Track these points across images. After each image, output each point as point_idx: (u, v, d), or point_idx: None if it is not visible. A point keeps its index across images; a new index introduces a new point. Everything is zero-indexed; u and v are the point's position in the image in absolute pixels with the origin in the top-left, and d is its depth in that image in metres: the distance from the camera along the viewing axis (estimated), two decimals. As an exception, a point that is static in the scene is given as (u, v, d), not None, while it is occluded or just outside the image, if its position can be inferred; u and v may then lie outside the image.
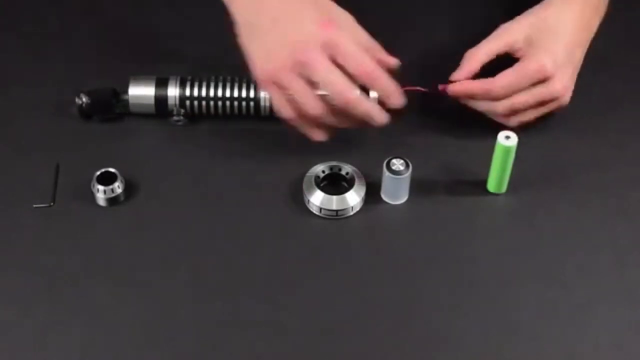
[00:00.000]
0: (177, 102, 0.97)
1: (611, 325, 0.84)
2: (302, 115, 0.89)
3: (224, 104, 0.97)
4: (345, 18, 0.91)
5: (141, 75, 0.98)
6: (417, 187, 0.92)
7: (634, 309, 0.85)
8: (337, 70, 0.87)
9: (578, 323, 0.84)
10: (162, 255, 0.88)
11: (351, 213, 0.92)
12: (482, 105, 0.95)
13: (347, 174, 0.93)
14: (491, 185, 0.93)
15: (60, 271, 0.87)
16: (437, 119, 0.99)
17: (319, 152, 0.95)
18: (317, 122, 0.90)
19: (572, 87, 0.95)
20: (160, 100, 0.97)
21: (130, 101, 0.97)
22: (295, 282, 0.86)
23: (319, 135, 0.92)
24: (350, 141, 0.98)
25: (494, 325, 0.84)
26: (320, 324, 0.84)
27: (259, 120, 0.98)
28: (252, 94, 0.97)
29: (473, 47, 0.96)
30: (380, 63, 0.89)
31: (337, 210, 0.91)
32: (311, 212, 0.92)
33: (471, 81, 0.95)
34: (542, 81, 0.93)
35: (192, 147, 0.97)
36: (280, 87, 0.89)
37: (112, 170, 0.91)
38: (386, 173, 0.90)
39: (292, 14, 0.89)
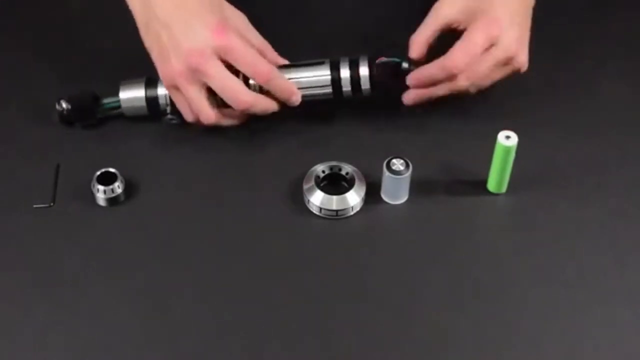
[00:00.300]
0: (169, 101, 0.96)
1: (611, 325, 0.84)
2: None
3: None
4: (238, 18, 0.93)
5: (131, 79, 0.97)
6: (417, 187, 0.92)
7: (634, 309, 0.85)
8: (231, 76, 0.90)
9: (578, 323, 0.84)
10: (162, 255, 0.88)
11: (351, 213, 0.92)
12: (443, 88, 0.94)
13: (347, 174, 0.93)
14: (491, 185, 0.93)
15: (60, 271, 0.87)
16: (437, 119, 0.99)
17: (319, 152, 0.95)
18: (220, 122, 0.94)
19: (525, 49, 0.95)
20: (152, 101, 0.96)
21: (123, 105, 0.97)
22: (295, 282, 0.86)
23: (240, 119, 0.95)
24: (350, 141, 0.98)
25: (494, 325, 0.84)
26: (320, 324, 0.84)
27: (259, 120, 0.98)
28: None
29: (415, 33, 0.95)
30: (273, 63, 0.93)
31: (337, 210, 0.91)
32: (311, 212, 0.92)
33: (428, 65, 0.94)
34: (494, 43, 0.93)
35: (192, 147, 0.97)
36: (178, 90, 0.91)
37: (112, 170, 0.91)
38: (386, 173, 0.90)
39: (184, 20, 0.89)
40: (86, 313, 0.84)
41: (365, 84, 0.95)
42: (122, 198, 0.92)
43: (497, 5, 0.94)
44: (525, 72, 1.05)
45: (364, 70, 0.94)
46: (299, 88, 0.94)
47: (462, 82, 0.93)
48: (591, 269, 0.88)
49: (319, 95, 0.95)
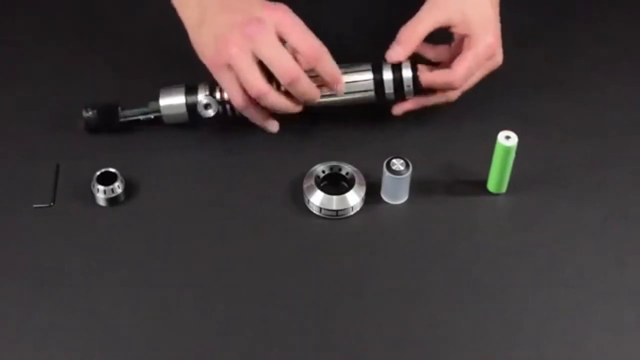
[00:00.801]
0: (207, 91, 0.95)
1: (611, 325, 0.84)
2: (253, 102, 0.91)
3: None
4: (287, 8, 0.91)
5: (170, 86, 0.96)
6: (417, 187, 0.92)
7: (634, 309, 0.85)
8: (283, 48, 0.88)
9: (578, 323, 0.84)
10: (162, 255, 0.88)
11: (351, 213, 0.92)
12: (434, 99, 0.97)
13: (347, 174, 0.93)
14: (491, 185, 0.93)
15: (60, 271, 0.87)
16: (437, 119, 0.99)
17: (319, 152, 0.95)
18: (267, 111, 0.93)
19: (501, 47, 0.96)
20: (192, 107, 0.95)
21: (163, 112, 0.96)
22: (295, 282, 0.86)
23: (272, 126, 0.95)
24: (350, 141, 0.98)
25: (494, 325, 0.84)
26: (320, 324, 0.84)
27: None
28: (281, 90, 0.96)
29: (408, 25, 0.94)
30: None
31: (337, 210, 0.91)
32: (311, 212, 0.92)
33: (434, 73, 0.95)
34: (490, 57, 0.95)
35: (192, 147, 0.97)
36: (229, 67, 0.89)
37: (112, 170, 0.91)
38: (386, 173, 0.90)
39: (240, 3, 0.90)
40: (86, 313, 0.84)
41: (408, 86, 0.95)
42: (122, 198, 0.92)
43: (484, 5, 0.95)
44: (525, 72, 1.06)
45: (407, 73, 0.94)
46: (343, 94, 0.94)
47: (455, 94, 0.96)
48: (591, 269, 0.88)
49: (360, 98, 0.95)
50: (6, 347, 0.82)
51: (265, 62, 0.89)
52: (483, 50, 0.94)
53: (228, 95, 0.93)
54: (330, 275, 0.87)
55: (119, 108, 0.97)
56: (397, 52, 0.94)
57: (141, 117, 0.97)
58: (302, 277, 0.87)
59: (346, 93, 0.95)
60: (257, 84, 0.89)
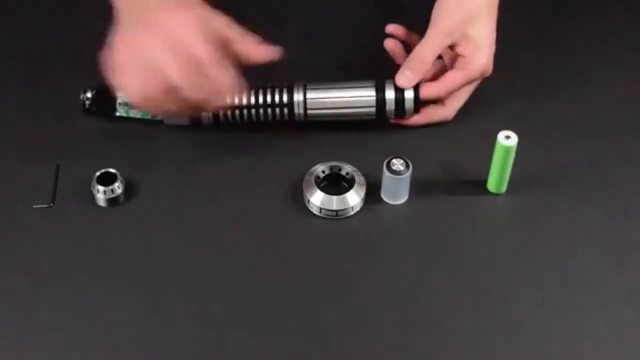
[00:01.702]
0: (211, 114, 0.96)
1: (611, 324, 0.84)
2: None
3: (257, 111, 0.96)
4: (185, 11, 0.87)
5: None
6: (417, 187, 0.92)
7: (634, 309, 0.85)
8: (171, 50, 0.84)
9: (578, 323, 0.84)
10: (162, 255, 0.88)
11: (351, 213, 0.92)
12: (434, 116, 0.99)
13: (347, 174, 0.93)
14: (491, 185, 0.93)
15: (60, 271, 0.87)
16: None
17: (319, 152, 0.95)
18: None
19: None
20: None
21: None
22: (295, 282, 0.86)
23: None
24: (350, 141, 0.98)
25: (493, 325, 0.84)
26: (320, 324, 0.84)
27: (259, 122, 0.98)
28: (285, 99, 0.96)
29: (418, 51, 0.95)
30: (234, 49, 0.88)
31: (337, 211, 0.91)
32: (311, 212, 0.92)
33: (435, 84, 0.97)
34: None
35: (192, 147, 0.97)
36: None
37: (112, 170, 0.91)
38: (386, 173, 0.90)
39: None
40: (86, 313, 0.84)
41: (409, 106, 0.96)
42: (122, 198, 0.92)
43: (480, 23, 0.95)
44: (525, 73, 1.06)
45: (409, 93, 0.96)
46: (344, 107, 0.96)
47: (451, 114, 0.98)
48: (591, 269, 0.88)
49: (361, 114, 0.96)
50: (6, 347, 0.82)
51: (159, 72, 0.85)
52: (474, 72, 0.96)
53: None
54: (330, 275, 0.87)
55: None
56: (408, 78, 0.96)
57: (140, 116, 0.97)
58: (302, 277, 0.87)
59: (347, 108, 0.96)
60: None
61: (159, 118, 0.97)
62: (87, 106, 0.98)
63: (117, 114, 0.98)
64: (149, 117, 0.98)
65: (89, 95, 0.97)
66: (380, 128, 0.99)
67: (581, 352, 0.82)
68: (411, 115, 0.97)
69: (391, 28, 1.02)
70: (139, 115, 0.98)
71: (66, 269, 0.87)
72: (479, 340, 0.83)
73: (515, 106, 1.01)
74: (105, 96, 0.97)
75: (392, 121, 0.98)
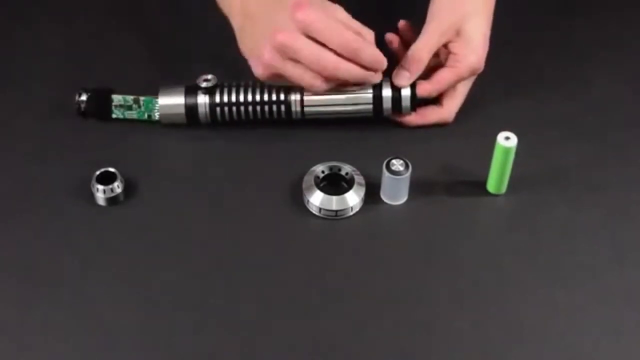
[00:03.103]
0: (208, 110, 0.96)
1: (611, 325, 0.84)
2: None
3: (254, 109, 0.96)
4: (310, 4, 0.91)
5: (169, 86, 0.97)
6: (417, 187, 0.92)
7: (634, 309, 0.85)
8: (313, 44, 0.89)
9: (578, 323, 0.84)
10: (162, 255, 0.88)
11: (351, 213, 0.92)
12: (432, 117, 0.99)
13: (346, 174, 0.93)
14: (491, 186, 0.93)
15: (60, 271, 0.87)
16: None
17: (318, 152, 0.95)
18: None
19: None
20: (191, 109, 0.96)
21: (160, 111, 0.97)
22: (294, 282, 0.86)
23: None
24: (350, 141, 0.98)
25: (493, 326, 0.84)
26: (319, 324, 0.84)
27: (259, 120, 0.98)
28: (282, 97, 0.96)
29: (414, 49, 0.95)
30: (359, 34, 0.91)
31: (336, 211, 0.91)
32: (311, 212, 0.92)
33: (425, 83, 0.97)
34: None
35: (192, 147, 0.97)
36: (278, 75, 0.92)
37: (112, 170, 0.91)
38: (386, 173, 0.90)
39: (266, 10, 0.91)
40: (86, 313, 0.84)
41: (406, 105, 0.96)
42: (122, 198, 0.92)
43: (475, 23, 0.96)
44: (525, 73, 1.06)
45: (405, 92, 0.96)
46: (341, 104, 0.96)
47: (448, 114, 0.99)
48: (591, 269, 0.88)
49: (359, 111, 0.96)
50: (6, 347, 0.82)
51: (305, 62, 0.90)
52: (464, 70, 0.96)
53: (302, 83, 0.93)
54: (330, 276, 0.87)
55: (112, 96, 0.98)
56: (405, 77, 0.96)
57: (136, 117, 0.98)
58: (302, 277, 0.87)
59: (344, 105, 0.96)
60: (313, 81, 0.91)
61: (156, 119, 0.98)
62: (82, 109, 0.98)
63: (114, 116, 0.98)
64: (145, 117, 0.98)
65: (83, 98, 0.97)
66: (380, 128, 0.99)
67: (581, 352, 0.82)
68: (408, 113, 0.97)
69: (401, 24, 1.02)
70: (135, 117, 0.98)
71: (66, 269, 0.87)
72: (479, 340, 0.83)
73: (515, 106, 1.01)
74: (101, 99, 0.97)
75: (392, 118, 0.98)
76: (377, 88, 0.96)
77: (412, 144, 0.97)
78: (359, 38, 0.90)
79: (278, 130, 0.98)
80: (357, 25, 0.92)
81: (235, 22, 0.94)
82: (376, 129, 0.98)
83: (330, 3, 0.92)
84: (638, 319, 0.84)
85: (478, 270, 0.88)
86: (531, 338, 0.83)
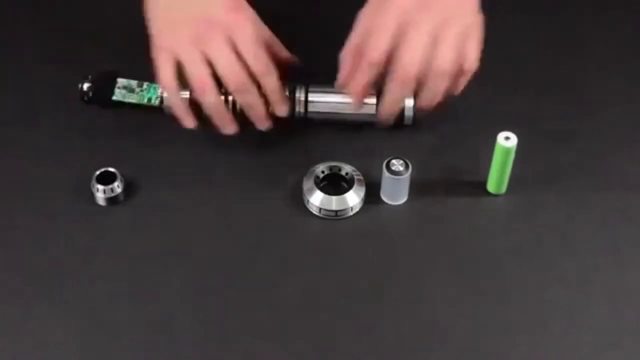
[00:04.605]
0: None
1: (611, 325, 0.84)
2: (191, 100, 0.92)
3: None
4: (251, 13, 0.91)
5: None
6: (417, 187, 0.92)
7: (634, 309, 0.85)
8: (232, 55, 0.89)
9: (578, 323, 0.84)
10: (162, 255, 0.88)
11: (351, 213, 0.92)
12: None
13: (346, 174, 0.93)
14: (491, 186, 0.93)
15: (60, 270, 0.87)
16: (437, 120, 0.99)
17: (318, 152, 0.95)
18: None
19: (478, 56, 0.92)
20: (196, 102, 0.95)
21: (165, 102, 0.96)
22: (294, 283, 0.86)
23: (188, 122, 0.93)
24: (350, 141, 0.98)
25: (493, 325, 0.84)
26: (319, 324, 0.84)
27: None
28: (287, 94, 0.96)
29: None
30: (277, 58, 0.92)
31: (336, 211, 0.91)
32: (311, 213, 0.92)
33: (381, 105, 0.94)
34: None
35: (192, 147, 0.97)
36: (175, 59, 0.90)
37: (111, 169, 0.91)
38: (386, 173, 0.90)
39: None
40: (85, 313, 0.84)
41: (408, 114, 0.96)
42: (122, 198, 0.92)
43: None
44: (525, 73, 1.05)
45: (409, 102, 0.96)
46: (344, 112, 0.96)
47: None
48: (591, 269, 0.88)
49: (360, 120, 0.97)
50: (6, 347, 0.82)
51: (213, 62, 0.89)
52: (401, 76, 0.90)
53: (163, 84, 0.92)
54: (330, 276, 0.87)
55: (117, 79, 0.98)
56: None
57: (136, 101, 0.98)
58: (302, 277, 0.87)
59: (347, 113, 0.96)
60: (200, 75, 0.89)
61: (156, 104, 0.97)
62: (85, 90, 0.98)
63: (114, 97, 0.98)
64: (145, 102, 0.98)
65: (87, 84, 0.98)
66: (380, 129, 0.99)
67: (581, 352, 0.82)
68: (410, 123, 0.97)
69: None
70: (134, 101, 0.98)
71: (66, 268, 0.87)
72: (479, 340, 0.83)
73: (515, 107, 1.01)
74: (105, 80, 0.97)
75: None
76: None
77: (412, 144, 0.97)
78: (272, 68, 0.90)
79: (278, 130, 0.98)
80: (278, 44, 0.93)
81: None
82: (376, 129, 0.98)
83: (258, 19, 0.92)
84: (638, 319, 0.84)
85: (478, 270, 0.88)
86: (531, 338, 0.83)
